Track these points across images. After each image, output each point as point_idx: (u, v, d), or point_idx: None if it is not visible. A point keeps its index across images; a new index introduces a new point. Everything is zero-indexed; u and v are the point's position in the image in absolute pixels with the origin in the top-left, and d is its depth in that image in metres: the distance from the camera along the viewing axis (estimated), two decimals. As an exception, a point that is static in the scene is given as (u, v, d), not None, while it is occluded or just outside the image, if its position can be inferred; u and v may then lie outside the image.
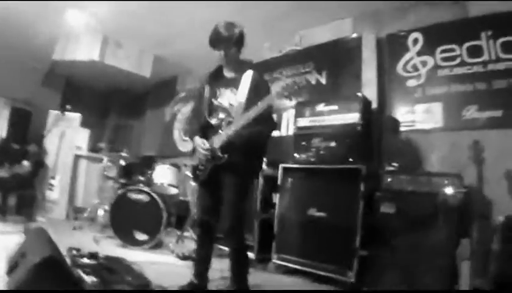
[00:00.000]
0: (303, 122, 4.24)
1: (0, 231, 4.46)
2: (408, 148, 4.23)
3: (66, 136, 6.46)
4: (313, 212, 3.84)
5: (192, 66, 7.36)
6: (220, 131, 2.76)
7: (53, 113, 6.59)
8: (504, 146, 3.57)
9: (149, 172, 5.06)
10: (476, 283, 2.83)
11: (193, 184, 4.54)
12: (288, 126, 5.35)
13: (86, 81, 8.40)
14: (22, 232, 4.23)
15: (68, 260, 2.79)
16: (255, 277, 3.58)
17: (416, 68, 4.33)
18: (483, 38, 3.91)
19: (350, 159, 3.75)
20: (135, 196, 4.66)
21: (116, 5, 5.30)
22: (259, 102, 2.60)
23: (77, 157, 6.85)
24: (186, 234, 5.06)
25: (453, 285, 2.96)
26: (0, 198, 5.55)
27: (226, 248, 4.19)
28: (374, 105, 4.40)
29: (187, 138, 7.24)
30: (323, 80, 5.15)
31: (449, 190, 3.29)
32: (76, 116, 6.60)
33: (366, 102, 4.05)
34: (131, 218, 4.59)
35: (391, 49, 4.59)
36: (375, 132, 4.18)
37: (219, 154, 2.73)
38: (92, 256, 3.33)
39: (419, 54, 4.33)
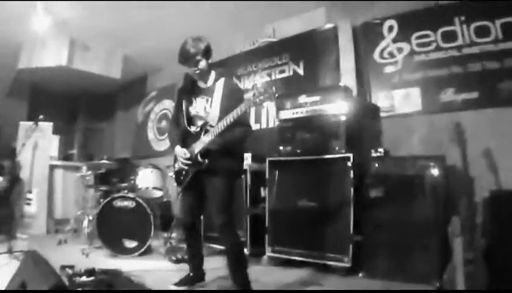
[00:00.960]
0: (286, 114, 4.25)
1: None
2: (389, 132, 4.34)
3: (39, 147, 6.16)
4: (304, 202, 3.88)
5: (161, 63, 7.27)
6: (200, 138, 2.89)
7: (24, 125, 6.28)
8: (481, 126, 3.70)
9: (132, 177, 4.96)
10: (468, 256, 2.93)
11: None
12: (267, 118, 5.38)
13: (52, 87, 8.10)
14: (5, 252, 4.16)
15: (65, 280, 2.75)
16: (250, 271, 3.67)
17: (392, 55, 4.43)
18: (457, 23, 4.04)
19: (337, 148, 3.80)
20: (120, 203, 4.54)
21: (81, 6, 5.16)
22: (235, 110, 2.71)
23: (52, 167, 6.58)
24: (173, 235, 5.02)
25: (446, 261, 3.05)
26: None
27: (218, 246, 4.27)
28: (354, 92, 4.47)
29: (163, 138, 7.18)
30: (301, 71, 5.18)
31: (435, 171, 3.40)
32: (48, 126, 6.31)
33: (348, 91, 4.10)
34: (118, 227, 4.47)
35: (366, 37, 4.66)
36: (357, 119, 4.24)
37: (200, 159, 2.88)
38: (90, 272, 3.29)
39: (395, 40, 4.42)
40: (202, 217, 3.51)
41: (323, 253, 3.68)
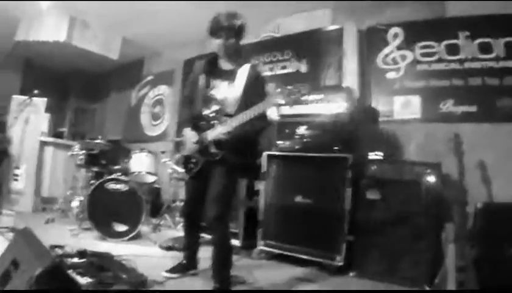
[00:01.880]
0: (286, 110, 4.14)
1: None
2: (387, 137, 4.41)
3: (31, 122, 6.00)
4: (299, 198, 3.90)
5: (160, 48, 7.24)
6: (214, 124, 2.75)
7: (17, 99, 6.09)
8: (477, 139, 3.79)
9: (126, 160, 4.88)
10: (460, 264, 3.00)
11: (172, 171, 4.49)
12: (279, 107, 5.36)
13: (47, 62, 7.96)
14: None
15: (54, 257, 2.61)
16: (241, 263, 3.69)
17: (395, 61, 4.50)
18: (461, 38, 4.14)
19: (336, 148, 3.83)
20: (112, 185, 4.41)
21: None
22: (259, 104, 2.57)
23: (43, 144, 6.40)
24: (162, 222, 5.00)
25: (438, 266, 3.13)
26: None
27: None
28: (356, 95, 4.52)
29: (156, 123, 7.11)
30: (303, 69, 5.21)
31: (431, 178, 3.47)
32: (42, 101, 6.15)
33: (350, 93, 4.15)
34: (109, 209, 4.35)
35: (371, 41, 4.72)
36: (358, 121, 4.29)
37: (214, 149, 2.74)
38: (81, 254, 3.25)
39: (399, 48, 4.50)
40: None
41: (315, 250, 3.71)
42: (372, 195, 3.63)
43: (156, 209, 5.21)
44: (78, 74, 8.66)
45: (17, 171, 5.96)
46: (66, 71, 8.48)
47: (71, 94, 8.83)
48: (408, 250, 3.38)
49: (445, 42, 4.22)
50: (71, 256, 3.23)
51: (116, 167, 4.89)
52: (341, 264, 3.55)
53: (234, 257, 3.76)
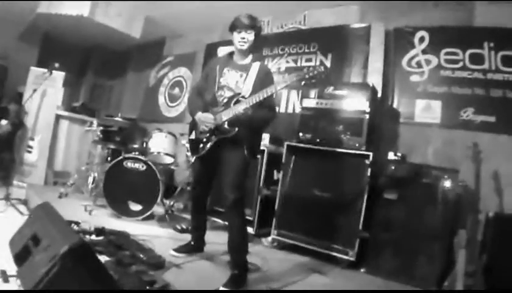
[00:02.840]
0: (309, 103, 4.27)
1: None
2: (406, 138, 4.47)
3: (48, 95, 5.96)
4: (317, 191, 3.95)
5: (182, 29, 7.23)
6: (228, 107, 2.88)
7: (34, 71, 6.10)
8: (494, 149, 3.85)
9: (145, 139, 4.89)
10: (470, 269, 3.08)
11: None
12: (287, 103, 5.43)
13: (67, 36, 7.93)
14: (2, 198, 4.10)
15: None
16: (253, 250, 3.71)
17: (419, 65, 4.52)
18: (486, 48, 4.16)
19: (357, 144, 3.88)
20: (130, 164, 4.44)
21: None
22: (268, 87, 2.76)
23: (58, 117, 6.38)
24: (175, 204, 5.05)
25: (448, 271, 3.20)
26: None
27: (222, 221, 4.32)
28: (379, 94, 4.55)
29: (173, 104, 7.14)
30: (327, 63, 5.22)
31: (448, 183, 3.53)
32: (60, 75, 6.09)
33: (374, 91, 4.16)
34: (125, 188, 4.38)
35: (397, 42, 4.74)
36: (379, 120, 4.34)
37: (227, 127, 2.86)
38: (99, 231, 3.30)
39: (424, 52, 4.51)
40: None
41: (328, 243, 3.77)
42: (390, 194, 3.69)
43: (169, 190, 5.25)
44: (97, 50, 8.62)
45: (31, 143, 5.95)
46: (86, 46, 8.45)
47: (88, 70, 8.81)
48: (421, 251, 3.45)
49: (470, 51, 4.24)
50: (89, 233, 3.29)
51: (134, 146, 4.90)
52: (353, 258, 3.62)
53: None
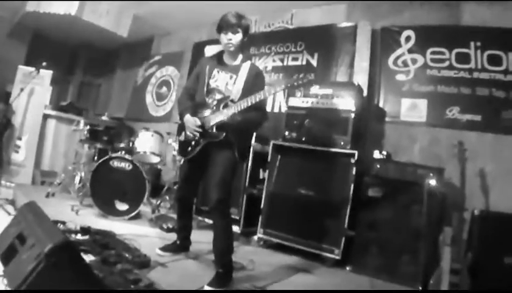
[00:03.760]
0: (295, 102, 4.27)
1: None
2: (392, 137, 4.50)
3: (35, 94, 5.94)
4: (302, 190, 3.95)
5: (170, 28, 7.25)
6: (218, 110, 2.88)
7: (22, 69, 6.07)
8: (480, 148, 3.92)
9: (132, 139, 4.87)
10: (455, 267, 3.09)
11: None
12: (273, 102, 5.43)
13: (55, 35, 7.93)
14: None
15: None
16: (239, 249, 3.76)
17: (405, 64, 4.56)
18: (472, 47, 4.20)
19: (342, 143, 3.88)
20: (117, 164, 4.42)
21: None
22: (258, 93, 2.74)
23: (46, 117, 6.34)
24: (162, 203, 5.03)
25: (433, 268, 3.22)
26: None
27: (210, 221, 4.30)
28: (365, 93, 4.57)
29: (161, 104, 7.12)
30: (314, 62, 5.24)
31: (433, 182, 3.54)
32: (48, 74, 6.07)
33: (360, 90, 4.19)
34: (112, 187, 4.36)
35: (383, 42, 4.77)
36: (364, 119, 4.36)
37: (215, 131, 2.87)
38: (85, 231, 3.30)
39: (410, 51, 4.55)
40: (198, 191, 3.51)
41: (314, 242, 3.78)
42: (374, 192, 3.70)
43: (156, 189, 5.23)
44: (86, 48, 8.61)
45: (18, 142, 5.91)
46: (74, 44, 8.42)
47: (77, 68, 8.78)
48: (406, 249, 3.46)
49: (456, 50, 4.28)
50: (75, 232, 3.28)
51: (121, 145, 4.86)
52: (338, 257, 3.63)
53: (233, 243, 3.89)
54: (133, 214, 4.39)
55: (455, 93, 4.23)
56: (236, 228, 4.22)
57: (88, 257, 2.71)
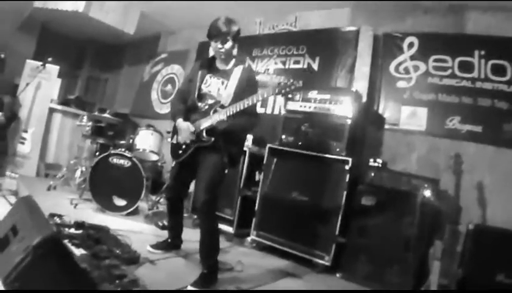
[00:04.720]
0: (293, 106, 4.26)
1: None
2: (390, 145, 4.47)
3: (42, 88, 6.03)
4: (296, 194, 3.96)
5: (176, 26, 7.30)
6: (207, 115, 2.92)
7: (30, 63, 6.15)
8: (479, 159, 3.88)
9: (132, 136, 4.93)
10: (443, 282, 3.07)
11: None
12: (273, 105, 5.44)
13: (64, 29, 8.02)
14: None
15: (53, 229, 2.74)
16: (232, 250, 3.87)
17: (407, 71, 4.51)
18: (476, 56, 4.13)
19: (338, 149, 3.88)
20: (116, 160, 4.50)
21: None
22: (253, 96, 2.75)
23: (51, 111, 6.43)
24: (161, 200, 5.08)
25: (422, 281, 3.20)
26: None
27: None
28: (363, 99, 4.53)
29: (165, 101, 7.18)
30: (315, 66, 5.23)
31: (427, 193, 3.52)
32: (55, 68, 6.15)
33: (358, 97, 4.15)
34: (110, 183, 4.45)
35: (385, 47, 4.72)
36: (362, 125, 4.33)
37: (205, 136, 2.91)
38: (79, 225, 3.36)
39: (412, 58, 4.50)
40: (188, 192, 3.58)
41: (305, 247, 3.79)
42: (367, 201, 3.69)
43: (157, 186, 5.29)
44: (93, 43, 8.70)
45: (24, 135, 6.01)
46: (82, 39, 8.51)
47: (84, 62, 8.90)
48: (396, 259, 3.44)
49: (459, 58, 4.21)
50: (69, 226, 3.34)
51: (122, 142, 4.94)
52: (328, 263, 3.64)
53: (227, 244, 3.94)
54: (130, 210, 4.46)
55: (456, 102, 4.17)
56: (229, 229, 4.32)
57: (79, 251, 2.78)
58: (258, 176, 4.38)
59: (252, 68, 5.44)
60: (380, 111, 4.61)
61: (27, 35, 7.97)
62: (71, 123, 6.55)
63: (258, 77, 5.57)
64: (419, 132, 4.33)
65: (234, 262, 3.37)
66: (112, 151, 4.58)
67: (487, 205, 3.59)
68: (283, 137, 4.26)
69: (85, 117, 5.31)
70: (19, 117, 5.97)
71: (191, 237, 3.51)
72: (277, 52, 5.67)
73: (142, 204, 4.77)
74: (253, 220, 4.17)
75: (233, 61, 3.09)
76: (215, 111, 2.90)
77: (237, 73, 3.00)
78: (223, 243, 3.91)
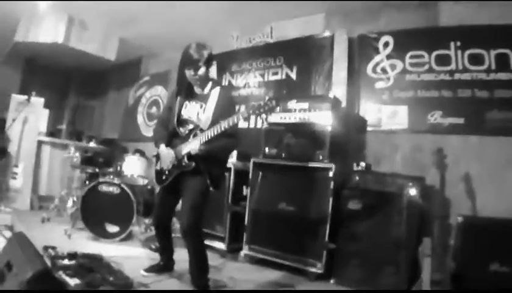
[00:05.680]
0: (274, 118, 4.26)
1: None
2: (374, 147, 4.47)
3: (29, 122, 6.07)
4: (283, 206, 3.98)
5: (157, 48, 7.32)
6: (188, 141, 2.97)
7: (16, 98, 6.21)
8: (464, 151, 3.88)
9: (119, 163, 4.98)
10: (436, 277, 3.06)
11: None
12: (256, 119, 5.44)
13: (47, 61, 8.11)
14: None
15: (48, 262, 2.83)
16: (225, 266, 3.88)
17: (384, 71, 4.52)
18: (452, 48, 4.13)
19: (320, 157, 3.89)
20: (105, 188, 4.54)
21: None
22: (228, 119, 2.78)
23: (40, 143, 6.47)
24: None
25: (414, 278, 3.19)
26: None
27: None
28: (343, 103, 4.55)
29: (152, 123, 7.22)
30: (293, 76, 5.25)
31: (412, 191, 3.51)
32: (40, 101, 6.24)
33: (337, 102, 4.18)
34: (102, 211, 4.48)
35: (361, 49, 4.74)
36: (344, 130, 4.33)
37: (186, 161, 2.95)
38: (71, 256, 3.38)
39: (389, 57, 4.51)
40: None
41: (297, 256, 3.80)
42: (354, 205, 3.69)
43: (149, 208, 5.30)
44: (77, 71, 8.79)
45: (15, 170, 6.04)
46: (66, 68, 8.59)
47: (70, 91, 8.98)
48: (387, 261, 3.45)
49: (436, 52, 4.22)
50: (62, 257, 3.36)
51: (109, 169, 4.98)
52: (321, 271, 3.64)
53: (220, 261, 3.95)
54: (123, 236, 4.47)
55: (436, 96, 4.17)
56: (222, 246, 4.32)
57: (74, 281, 2.81)
58: (246, 191, 4.38)
59: (229, 87, 5.62)
60: (361, 114, 4.61)
61: (11, 69, 8.09)
62: (60, 154, 6.56)
63: (238, 92, 5.70)
64: (402, 131, 4.33)
65: (227, 278, 3.40)
66: (100, 180, 4.61)
67: (476, 195, 3.58)
68: (266, 149, 4.29)
69: (72, 148, 5.34)
70: (8, 152, 6.00)
71: (185, 256, 3.51)
72: (255, 65, 5.70)
73: (135, 228, 4.79)
74: (244, 234, 4.18)
75: (209, 84, 3.12)
76: (195, 135, 2.96)
77: (214, 95, 3.06)
78: (216, 260, 4.01)
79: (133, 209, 4.49)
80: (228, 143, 3.03)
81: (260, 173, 4.22)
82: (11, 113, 6.09)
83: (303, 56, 5.15)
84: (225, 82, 5.93)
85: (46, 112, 6.83)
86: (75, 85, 9.08)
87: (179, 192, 3.08)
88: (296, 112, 4.15)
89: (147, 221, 5.04)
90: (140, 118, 7.67)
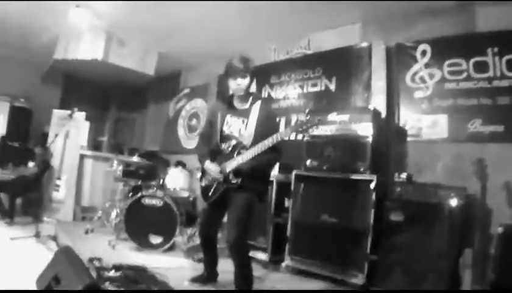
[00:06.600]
0: (315, 130, 4.33)
1: (11, 236, 4.35)
2: (414, 157, 4.44)
3: (71, 136, 6.34)
4: (325, 217, 4.04)
5: (196, 62, 7.46)
6: (231, 157, 3.06)
7: (57, 113, 6.50)
8: (505, 159, 3.79)
9: (162, 176, 5.13)
10: (476, 288, 3.06)
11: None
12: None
13: (86, 77, 8.38)
14: (33, 236, 4.37)
15: (93, 273, 2.96)
16: (267, 277, 3.96)
17: (423, 80, 4.49)
18: (489, 55, 4.07)
19: (362, 169, 3.93)
20: (148, 201, 4.70)
21: (120, 2, 5.25)
22: (272, 136, 2.87)
23: (82, 157, 6.74)
24: (196, 232, 5.19)
25: (456, 289, 3.19)
26: (7, 201, 5.43)
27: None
28: (383, 114, 4.56)
29: (192, 136, 7.35)
30: (332, 87, 5.27)
31: (454, 202, 3.51)
32: (81, 115, 6.50)
33: (377, 114, 4.20)
34: (145, 223, 4.63)
35: (399, 58, 4.71)
36: (384, 141, 4.35)
37: (232, 178, 3.05)
38: (117, 268, 3.49)
39: (427, 65, 4.48)
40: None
41: (339, 267, 3.85)
42: (396, 216, 3.71)
43: (192, 219, 5.42)
44: (117, 86, 9.02)
45: (58, 182, 6.29)
46: (105, 83, 8.83)
47: (111, 105, 9.25)
48: (428, 271, 3.44)
49: (473, 59, 4.16)
50: (108, 269, 3.48)
51: (152, 183, 5.13)
52: (362, 282, 3.67)
53: (263, 272, 4.04)
54: (166, 247, 4.61)
55: (476, 104, 4.11)
56: (264, 256, 4.42)
57: None
58: (288, 202, 4.45)
59: (269, 100, 5.65)
60: (401, 123, 4.60)
61: (51, 86, 8.41)
62: (102, 166, 6.82)
63: (278, 104, 5.77)
64: (442, 140, 4.29)
65: (269, 288, 3.51)
66: (144, 193, 4.76)
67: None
68: (308, 162, 4.35)
69: (115, 162, 5.52)
70: (51, 166, 6.25)
71: (229, 267, 3.61)
72: (294, 77, 5.75)
73: (178, 239, 4.90)
74: (286, 245, 4.25)
75: (250, 99, 3.19)
76: (239, 153, 3.03)
77: (255, 110, 3.12)
78: (259, 270, 4.08)
79: (176, 220, 4.61)
80: (272, 158, 3.12)
81: (302, 185, 4.29)
82: (52, 127, 6.38)
83: (341, 67, 5.17)
84: (264, 94, 6.00)
85: (87, 124, 7.09)
86: (115, 98, 9.36)
87: (225, 208, 3.16)
88: (337, 124, 4.20)
89: (189, 231, 5.15)
90: (181, 130, 7.82)
